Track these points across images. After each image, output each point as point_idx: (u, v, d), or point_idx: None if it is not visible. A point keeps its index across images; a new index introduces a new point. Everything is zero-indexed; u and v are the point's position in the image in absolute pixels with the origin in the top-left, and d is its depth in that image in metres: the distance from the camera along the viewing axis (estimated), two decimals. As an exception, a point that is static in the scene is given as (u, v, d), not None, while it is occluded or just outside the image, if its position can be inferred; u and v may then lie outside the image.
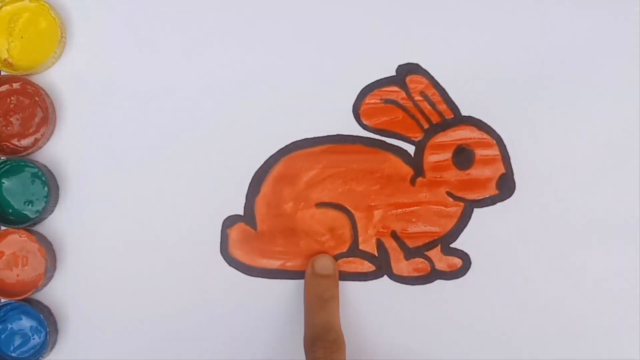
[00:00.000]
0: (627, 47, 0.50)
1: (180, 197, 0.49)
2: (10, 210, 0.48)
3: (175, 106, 0.49)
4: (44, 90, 0.48)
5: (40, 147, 0.48)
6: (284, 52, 0.49)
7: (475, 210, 0.50)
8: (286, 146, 0.50)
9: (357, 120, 0.50)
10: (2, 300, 0.48)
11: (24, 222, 0.48)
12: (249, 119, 0.49)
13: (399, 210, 0.50)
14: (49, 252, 0.48)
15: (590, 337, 0.49)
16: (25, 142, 0.48)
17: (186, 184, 0.49)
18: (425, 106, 0.50)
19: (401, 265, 0.50)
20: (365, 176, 0.50)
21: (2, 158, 0.48)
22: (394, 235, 0.50)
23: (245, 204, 0.49)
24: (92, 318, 0.49)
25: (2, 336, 0.48)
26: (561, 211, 0.50)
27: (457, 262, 0.50)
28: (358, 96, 0.50)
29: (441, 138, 0.50)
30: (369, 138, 0.50)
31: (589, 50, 0.50)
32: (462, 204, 0.50)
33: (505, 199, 0.50)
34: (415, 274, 0.50)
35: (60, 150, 0.49)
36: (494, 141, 0.50)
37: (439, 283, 0.50)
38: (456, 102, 0.50)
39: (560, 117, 0.50)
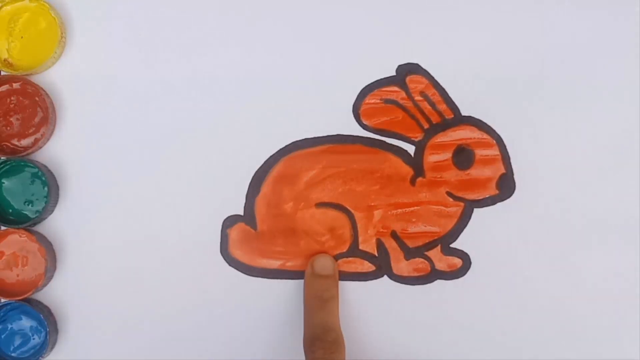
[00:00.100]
0: (627, 47, 0.50)
1: (180, 197, 0.49)
2: (10, 210, 0.48)
3: (175, 106, 0.49)
4: (44, 90, 0.48)
5: (40, 147, 0.48)
6: (284, 52, 0.49)
7: (475, 210, 0.50)
8: (286, 146, 0.50)
9: (357, 120, 0.50)
10: (2, 300, 0.48)
11: (24, 222, 0.48)
12: (249, 119, 0.49)
13: (399, 210, 0.50)
14: (49, 252, 0.48)
15: (590, 337, 0.49)
16: (25, 142, 0.48)
17: (186, 184, 0.49)
18: (425, 106, 0.50)
19: (401, 265, 0.50)
20: (365, 176, 0.50)
21: (2, 158, 0.48)
22: (394, 235, 0.50)
23: (245, 204, 0.49)
24: (92, 318, 0.49)
25: (2, 336, 0.48)
26: (561, 211, 0.50)
27: (457, 262, 0.50)
28: (358, 96, 0.50)
29: (441, 138, 0.50)
30: (369, 138, 0.50)
31: (589, 50, 0.50)
32: (462, 204, 0.50)
33: (505, 199, 0.50)
34: (415, 274, 0.50)
35: (60, 150, 0.49)
36: (494, 141, 0.50)
37: (439, 283, 0.50)
38: (456, 102, 0.50)
39: (560, 117, 0.50)
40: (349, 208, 0.50)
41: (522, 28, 0.50)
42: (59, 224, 0.49)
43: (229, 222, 0.49)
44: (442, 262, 0.50)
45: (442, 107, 0.50)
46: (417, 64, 0.50)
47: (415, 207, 0.50)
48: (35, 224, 0.48)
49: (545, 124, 0.50)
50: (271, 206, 0.49)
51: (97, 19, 0.49)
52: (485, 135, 0.50)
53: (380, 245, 0.50)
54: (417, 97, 0.50)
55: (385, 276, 0.50)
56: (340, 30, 0.49)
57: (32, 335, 0.48)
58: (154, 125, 0.49)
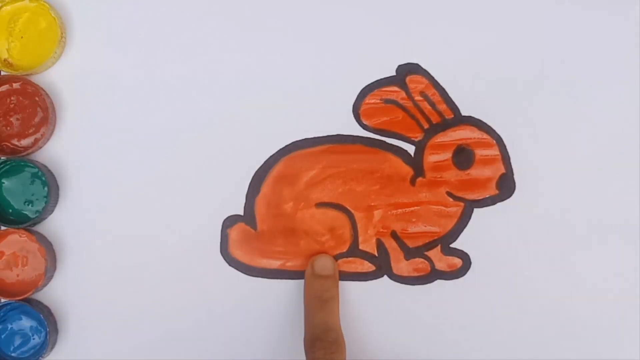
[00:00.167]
0: (627, 47, 0.50)
1: (180, 197, 0.49)
2: (10, 210, 0.48)
3: (175, 106, 0.49)
4: (44, 90, 0.48)
5: (40, 147, 0.48)
6: (284, 52, 0.49)
7: (475, 210, 0.50)
8: (286, 146, 0.50)
9: (357, 120, 0.50)
10: (2, 300, 0.48)
11: (24, 222, 0.48)
12: (249, 119, 0.49)
13: (399, 210, 0.50)
14: (49, 252, 0.48)
15: (590, 337, 0.49)
16: (25, 142, 0.48)
17: (186, 184, 0.49)
18: (425, 106, 0.50)
19: (401, 265, 0.50)
20: (365, 176, 0.50)
21: (2, 158, 0.48)
22: (394, 235, 0.50)
23: (245, 204, 0.49)
24: (92, 318, 0.49)
25: (2, 336, 0.48)
26: (561, 211, 0.50)
27: (457, 262, 0.50)
28: (358, 96, 0.50)
29: (441, 138, 0.50)
30: (369, 138, 0.50)
31: (589, 50, 0.50)
32: (462, 204, 0.50)
33: (505, 199, 0.50)
34: (415, 274, 0.50)
35: (60, 150, 0.49)
36: (494, 141, 0.50)
37: (439, 283, 0.50)
38: (456, 102, 0.50)
39: (560, 117, 0.50)
40: (349, 208, 0.50)
41: (522, 28, 0.50)
42: (59, 224, 0.49)
43: (229, 222, 0.49)
44: (442, 262, 0.50)
45: (442, 107, 0.50)
46: (417, 64, 0.50)
47: (415, 207, 0.50)
48: (35, 224, 0.48)
49: (545, 124, 0.50)
50: (271, 206, 0.49)
51: (97, 19, 0.49)
52: (485, 135, 0.50)
53: (380, 245, 0.50)
54: (417, 97, 0.50)
55: (385, 276, 0.50)
56: (340, 30, 0.49)
57: (32, 335, 0.48)
58: (154, 125, 0.49)
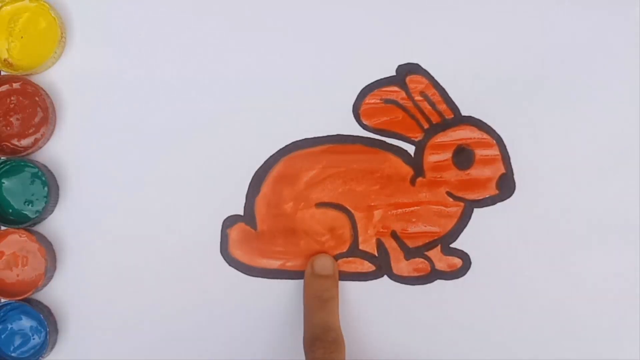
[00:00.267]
0: (627, 47, 0.50)
1: (180, 197, 0.49)
2: (10, 210, 0.48)
3: (175, 106, 0.49)
4: (44, 90, 0.48)
5: (40, 147, 0.48)
6: (284, 52, 0.49)
7: (475, 210, 0.50)
8: (286, 146, 0.50)
9: (357, 120, 0.50)
10: (2, 300, 0.48)
11: (24, 222, 0.48)
12: (249, 119, 0.49)
13: (399, 210, 0.50)
14: (49, 252, 0.48)
15: (590, 337, 0.49)
16: (25, 142, 0.48)
17: (186, 184, 0.49)
18: (425, 106, 0.50)
19: (401, 265, 0.50)
20: (365, 176, 0.50)
21: (2, 158, 0.48)
22: (394, 235, 0.50)
23: (245, 204, 0.49)
24: (92, 318, 0.49)
25: (2, 336, 0.48)
26: (561, 211, 0.49)
27: (457, 262, 0.50)
28: (358, 96, 0.50)
29: (441, 138, 0.50)
30: (369, 138, 0.50)
31: (589, 50, 0.50)
32: (462, 204, 0.50)
33: (505, 199, 0.50)
34: (415, 274, 0.50)
35: (60, 150, 0.49)
36: (494, 141, 0.50)
37: (439, 283, 0.50)
38: (456, 102, 0.50)
39: (560, 117, 0.50)
40: (349, 208, 0.50)
41: (522, 28, 0.50)
42: (59, 224, 0.49)
43: (229, 222, 0.49)
44: (442, 262, 0.50)
45: (442, 107, 0.50)
46: (417, 64, 0.50)
47: (415, 207, 0.50)
48: (35, 224, 0.48)
49: (545, 124, 0.50)
50: (271, 206, 0.49)
51: (97, 19, 0.49)
52: (485, 135, 0.50)
53: (380, 245, 0.50)
54: (417, 97, 0.50)
55: (385, 276, 0.50)
56: (340, 30, 0.49)
57: (32, 335, 0.48)
58: (154, 125, 0.49)
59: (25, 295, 0.47)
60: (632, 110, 0.50)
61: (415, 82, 0.49)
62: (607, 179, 0.50)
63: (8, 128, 0.48)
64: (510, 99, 0.50)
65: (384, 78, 0.50)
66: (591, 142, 0.50)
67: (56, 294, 0.49)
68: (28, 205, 0.48)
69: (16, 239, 0.48)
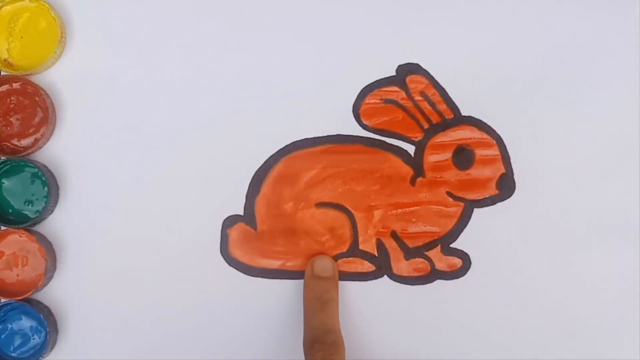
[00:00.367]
0: (627, 47, 0.50)
1: (180, 197, 0.49)
2: (10, 210, 0.48)
3: (175, 106, 0.49)
4: (44, 90, 0.48)
5: (40, 147, 0.48)
6: (284, 52, 0.49)
7: (475, 210, 0.50)
8: (286, 146, 0.50)
9: (357, 120, 0.50)
10: (2, 300, 0.48)
11: (24, 222, 0.48)
12: (249, 119, 0.49)
13: (399, 210, 0.50)
14: (49, 252, 0.48)
15: (590, 337, 0.49)
16: (25, 142, 0.48)
17: (186, 184, 0.49)
18: (425, 106, 0.50)
19: (401, 265, 0.50)
20: (365, 176, 0.50)
21: (2, 158, 0.48)
22: (394, 235, 0.50)
23: (245, 204, 0.49)
24: (92, 318, 0.49)
25: (2, 336, 0.48)
26: (561, 211, 0.49)
27: (457, 262, 0.50)
28: (358, 96, 0.50)
29: (441, 138, 0.50)
30: (369, 138, 0.50)
31: (589, 50, 0.50)
32: (462, 204, 0.50)
33: (505, 199, 0.50)
34: (415, 274, 0.50)
35: (60, 150, 0.49)
36: (494, 141, 0.50)
37: (439, 283, 0.50)
38: (456, 102, 0.50)
39: (560, 117, 0.50)
40: (349, 208, 0.50)
41: (522, 28, 0.50)
42: (59, 224, 0.49)
43: (229, 222, 0.49)
44: (442, 262, 0.50)
45: (442, 107, 0.50)
46: (417, 64, 0.50)
47: (415, 207, 0.50)
48: (35, 224, 0.48)
49: (545, 124, 0.50)
50: (271, 206, 0.49)
51: (97, 19, 0.49)
52: (485, 135, 0.50)
53: (380, 245, 0.50)
54: (417, 97, 0.50)
55: (385, 276, 0.50)
56: (340, 30, 0.49)
57: (32, 335, 0.48)
58: (154, 125, 0.49)
59: (25, 295, 0.47)
60: (632, 110, 0.50)
61: (415, 82, 0.49)
62: (607, 179, 0.50)
63: (8, 128, 0.48)
64: (510, 99, 0.50)
65: (384, 78, 0.50)
66: (591, 142, 0.50)
67: (56, 294, 0.49)
68: (28, 205, 0.48)
69: (16, 239, 0.48)
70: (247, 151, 0.49)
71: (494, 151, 0.50)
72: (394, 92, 0.50)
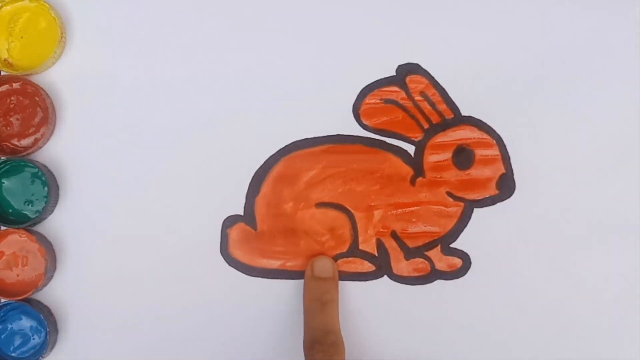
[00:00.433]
0: (627, 47, 0.50)
1: (180, 197, 0.49)
2: (10, 210, 0.48)
3: (175, 106, 0.49)
4: (44, 90, 0.48)
5: (40, 147, 0.48)
6: (284, 52, 0.49)
7: (475, 210, 0.50)
8: (286, 146, 0.50)
9: (357, 120, 0.50)
10: (2, 300, 0.48)
11: (24, 222, 0.48)
12: (249, 119, 0.49)
13: (399, 210, 0.50)
14: (49, 252, 0.48)
15: (590, 337, 0.49)
16: (25, 142, 0.48)
17: (186, 184, 0.49)
18: (425, 106, 0.50)
19: (401, 265, 0.50)
20: (365, 176, 0.50)
21: (2, 158, 0.48)
22: (394, 235, 0.50)
23: (245, 204, 0.49)
24: (92, 318, 0.49)
25: (2, 336, 0.48)
26: (561, 211, 0.49)
27: (457, 262, 0.50)
28: (358, 96, 0.50)
29: (441, 138, 0.50)
30: (369, 138, 0.50)
31: (589, 50, 0.50)
32: (462, 204, 0.50)
33: (505, 199, 0.50)
34: (415, 274, 0.50)
35: (60, 150, 0.49)
36: (494, 141, 0.50)
37: (439, 283, 0.50)
38: (456, 102, 0.50)
39: (560, 117, 0.50)
40: (349, 208, 0.50)
41: (522, 28, 0.50)
42: (59, 224, 0.49)
43: (229, 222, 0.49)
44: (442, 262, 0.50)
45: (442, 107, 0.50)
46: (417, 64, 0.50)
47: (415, 207, 0.50)
48: (35, 224, 0.48)
49: (545, 124, 0.50)
50: (271, 206, 0.49)
51: (97, 19, 0.49)
52: (485, 135, 0.50)
53: (380, 245, 0.50)
54: (417, 97, 0.50)
55: (385, 276, 0.50)
56: (340, 30, 0.49)
57: (32, 335, 0.48)
58: (154, 125, 0.49)
59: (25, 295, 0.47)
60: (632, 110, 0.50)
61: (415, 82, 0.49)
62: (607, 179, 0.50)
63: (8, 128, 0.48)
64: (510, 99, 0.50)
65: (384, 78, 0.50)
66: (591, 142, 0.50)
67: (56, 294, 0.49)
68: (28, 205, 0.48)
69: (16, 239, 0.48)
70: (247, 151, 0.49)
71: (494, 151, 0.50)
72: (394, 92, 0.50)
